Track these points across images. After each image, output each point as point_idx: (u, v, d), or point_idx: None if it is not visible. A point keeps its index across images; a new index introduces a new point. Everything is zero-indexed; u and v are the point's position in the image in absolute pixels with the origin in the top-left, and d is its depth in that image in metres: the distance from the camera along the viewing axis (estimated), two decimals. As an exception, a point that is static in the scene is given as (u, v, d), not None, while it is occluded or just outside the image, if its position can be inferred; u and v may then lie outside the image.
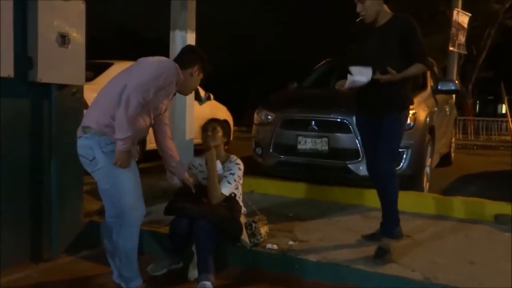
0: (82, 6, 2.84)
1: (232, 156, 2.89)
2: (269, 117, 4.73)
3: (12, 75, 2.49)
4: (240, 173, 2.82)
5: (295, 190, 4.51)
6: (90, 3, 2.95)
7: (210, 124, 2.87)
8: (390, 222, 2.94)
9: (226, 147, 2.98)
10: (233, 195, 2.78)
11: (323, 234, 3.24)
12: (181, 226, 2.62)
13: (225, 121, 5.29)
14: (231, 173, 2.77)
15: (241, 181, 2.88)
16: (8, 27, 2.44)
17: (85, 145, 2.27)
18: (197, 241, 2.57)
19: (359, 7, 2.85)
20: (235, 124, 9.44)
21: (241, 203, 2.89)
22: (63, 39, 2.72)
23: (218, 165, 2.75)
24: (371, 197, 3.99)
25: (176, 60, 2.52)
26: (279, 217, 3.61)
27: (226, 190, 2.72)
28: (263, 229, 2.93)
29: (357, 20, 2.93)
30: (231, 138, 3.03)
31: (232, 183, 2.75)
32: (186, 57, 2.54)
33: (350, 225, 3.51)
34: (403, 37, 2.80)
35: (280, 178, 4.68)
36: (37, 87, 2.71)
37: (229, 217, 2.65)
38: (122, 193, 2.32)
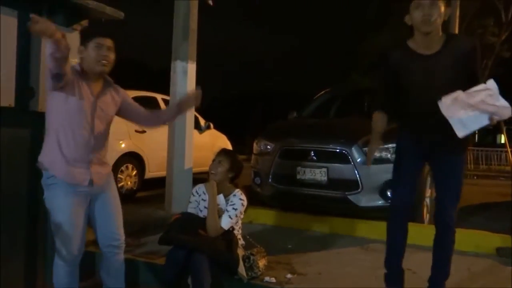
0: (77, 38, 2.88)
1: (237, 190, 2.84)
2: (268, 147, 4.73)
3: (12, 104, 2.51)
4: (243, 209, 2.79)
5: (294, 220, 4.47)
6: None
7: (218, 156, 2.84)
8: (445, 274, 2.67)
9: (234, 181, 2.91)
10: (231, 228, 2.75)
11: (322, 267, 3.19)
12: (178, 257, 2.58)
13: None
14: (233, 208, 2.74)
15: (242, 216, 2.85)
16: (10, 57, 2.47)
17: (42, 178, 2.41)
18: (193, 273, 2.52)
19: (426, 16, 2.35)
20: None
21: (239, 236, 2.85)
22: (65, 70, 2.75)
23: (221, 198, 2.73)
24: (371, 229, 3.95)
25: None
26: (278, 249, 3.56)
27: (226, 224, 2.69)
28: (261, 262, 2.88)
29: (386, 52, 2.61)
30: (240, 172, 2.94)
31: (233, 218, 2.72)
32: None
33: (350, 257, 3.46)
34: (466, 60, 2.42)
35: (279, 209, 4.64)
36: (38, 116, 2.72)
37: (226, 250, 2.61)
38: (53, 229, 2.38)
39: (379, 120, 2.67)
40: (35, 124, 2.74)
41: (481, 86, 2.27)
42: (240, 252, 2.81)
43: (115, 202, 2.56)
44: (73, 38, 2.82)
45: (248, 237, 3.10)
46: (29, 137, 2.73)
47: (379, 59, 2.71)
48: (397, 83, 2.56)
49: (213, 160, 2.83)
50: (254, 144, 4.99)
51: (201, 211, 2.84)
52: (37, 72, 2.63)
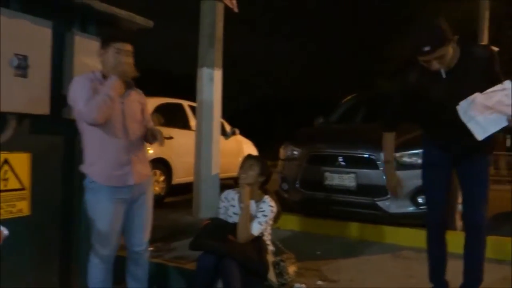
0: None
1: (266, 196, 2.82)
2: (295, 152, 4.71)
3: (48, 112, 2.57)
4: (272, 215, 2.78)
5: (323, 226, 4.43)
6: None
7: (248, 160, 2.84)
8: (477, 280, 2.61)
9: (264, 186, 2.90)
10: (260, 234, 2.74)
11: (353, 274, 3.13)
12: (208, 263, 2.58)
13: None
14: (263, 215, 2.73)
15: (271, 222, 2.83)
16: (45, 67, 2.54)
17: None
18: (223, 279, 2.52)
19: (436, 65, 2.33)
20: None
21: (268, 242, 2.84)
22: (96, 78, 2.81)
23: (252, 205, 2.72)
24: (402, 236, 3.87)
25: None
26: (307, 255, 3.52)
27: (256, 230, 2.68)
28: (291, 268, 2.85)
29: (404, 73, 2.59)
30: (270, 177, 2.93)
31: (263, 225, 2.71)
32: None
33: (381, 265, 3.39)
34: (485, 68, 2.39)
35: (307, 214, 4.60)
36: (71, 124, 2.78)
37: (256, 257, 2.60)
38: (92, 230, 2.47)
39: (390, 145, 2.75)
40: (68, 131, 2.81)
41: (498, 87, 2.24)
42: (270, 258, 2.78)
43: (149, 210, 2.60)
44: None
45: (277, 243, 3.08)
46: (62, 144, 2.79)
47: (397, 80, 2.76)
48: (416, 101, 2.55)
49: (242, 165, 2.83)
50: (281, 150, 4.98)
51: (230, 216, 2.84)
52: (70, 81, 2.69)
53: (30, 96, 2.47)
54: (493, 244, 3.68)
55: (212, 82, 4.92)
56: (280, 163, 4.96)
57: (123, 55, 2.37)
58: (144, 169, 2.54)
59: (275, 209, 2.79)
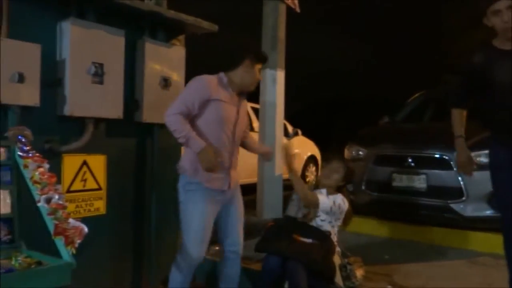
0: (182, 51, 3.04)
1: (339, 194, 2.84)
2: (360, 152, 4.59)
3: (121, 116, 2.71)
4: (344, 208, 2.77)
5: (390, 230, 4.27)
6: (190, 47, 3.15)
7: (335, 162, 2.87)
8: None
9: (342, 188, 2.92)
10: (328, 233, 2.70)
11: (426, 280, 2.98)
12: (273, 264, 2.58)
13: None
14: (334, 201, 2.74)
15: (341, 217, 2.80)
16: (119, 73, 2.68)
17: (179, 181, 2.56)
18: (289, 280, 2.51)
19: (506, 19, 2.25)
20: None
21: (335, 242, 2.78)
22: (165, 82, 2.91)
23: (324, 199, 2.72)
24: (480, 241, 3.63)
25: (228, 65, 2.61)
26: (374, 259, 3.41)
27: (323, 200, 2.70)
28: (359, 272, 2.77)
29: (471, 52, 2.53)
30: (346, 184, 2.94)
31: (333, 207, 2.70)
32: (233, 58, 2.61)
33: (455, 271, 3.20)
34: None
35: (374, 217, 4.46)
36: (142, 127, 2.91)
37: (322, 259, 2.56)
38: (185, 231, 2.49)
39: (459, 120, 2.60)
40: (140, 134, 2.94)
41: None
42: (337, 260, 2.73)
43: (241, 209, 2.69)
44: (174, 51, 3.00)
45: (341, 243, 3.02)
46: (134, 146, 2.93)
47: (465, 59, 2.61)
48: (482, 83, 2.44)
49: (326, 166, 2.87)
50: (346, 150, 4.87)
51: (301, 209, 2.85)
52: (141, 86, 2.82)
53: (106, 102, 2.61)
54: None
55: (275, 84, 4.93)
56: (345, 164, 4.85)
57: (259, 75, 2.62)
58: (236, 174, 2.63)
59: (347, 204, 2.78)
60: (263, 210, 4.90)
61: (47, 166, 1.85)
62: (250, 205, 5.35)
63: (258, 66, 2.60)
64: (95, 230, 2.74)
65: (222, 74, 2.58)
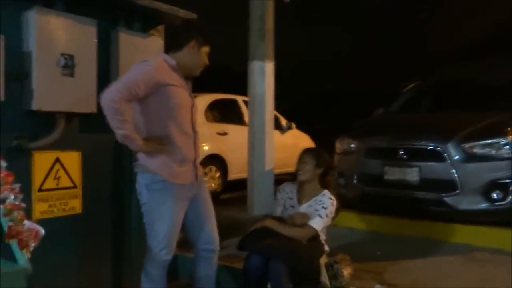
0: (160, 42, 2.91)
1: (326, 190, 2.71)
2: (352, 145, 4.48)
3: (95, 111, 2.58)
4: (333, 209, 2.64)
5: (383, 224, 4.17)
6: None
7: (302, 156, 2.77)
8: None
9: (326, 178, 2.77)
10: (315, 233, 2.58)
11: (418, 277, 2.88)
12: (254, 264, 2.47)
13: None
14: (323, 207, 2.60)
15: (332, 216, 2.67)
16: (91, 66, 2.55)
17: (138, 181, 2.36)
18: (271, 280, 2.40)
19: None
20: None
21: (323, 241, 2.67)
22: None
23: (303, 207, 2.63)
24: (476, 235, 3.54)
25: (170, 44, 2.43)
26: (366, 256, 3.31)
27: (317, 224, 2.56)
28: (346, 271, 2.66)
29: None
30: (330, 167, 2.78)
31: (324, 218, 2.57)
32: (178, 37, 2.38)
33: (450, 267, 3.10)
34: None
35: (366, 211, 4.36)
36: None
37: (308, 258, 2.45)
38: (152, 235, 2.33)
39: None
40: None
41: None
42: (323, 259, 2.62)
43: (209, 204, 2.52)
44: (151, 42, 2.87)
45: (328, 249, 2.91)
46: (111, 142, 2.79)
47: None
48: None
49: (298, 161, 2.76)
50: (337, 143, 4.76)
51: (286, 209, 2.75)
52: (116, 78, 2.68)
53: (78, 95, 2.49)
54: None
55: (263, 75, 4.79)
56: (336, 157, 4.74)
57: (207, 58, 2.40)
58: (199, 167, 2.45)
59: (335, 202, 2.66)
60: (253, 206, 4.78)
61: (4, 164, 1.73)
62: (242, 201, 5.25)
63: (205, 49, 2.37)
64: (71, 230, 2.65)
65: (167, 56, 2.36)
